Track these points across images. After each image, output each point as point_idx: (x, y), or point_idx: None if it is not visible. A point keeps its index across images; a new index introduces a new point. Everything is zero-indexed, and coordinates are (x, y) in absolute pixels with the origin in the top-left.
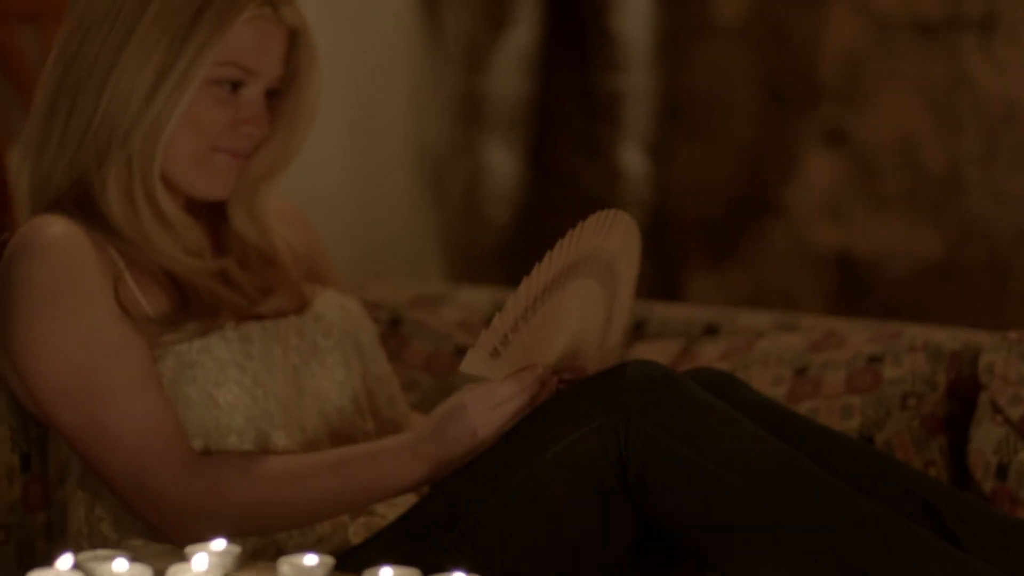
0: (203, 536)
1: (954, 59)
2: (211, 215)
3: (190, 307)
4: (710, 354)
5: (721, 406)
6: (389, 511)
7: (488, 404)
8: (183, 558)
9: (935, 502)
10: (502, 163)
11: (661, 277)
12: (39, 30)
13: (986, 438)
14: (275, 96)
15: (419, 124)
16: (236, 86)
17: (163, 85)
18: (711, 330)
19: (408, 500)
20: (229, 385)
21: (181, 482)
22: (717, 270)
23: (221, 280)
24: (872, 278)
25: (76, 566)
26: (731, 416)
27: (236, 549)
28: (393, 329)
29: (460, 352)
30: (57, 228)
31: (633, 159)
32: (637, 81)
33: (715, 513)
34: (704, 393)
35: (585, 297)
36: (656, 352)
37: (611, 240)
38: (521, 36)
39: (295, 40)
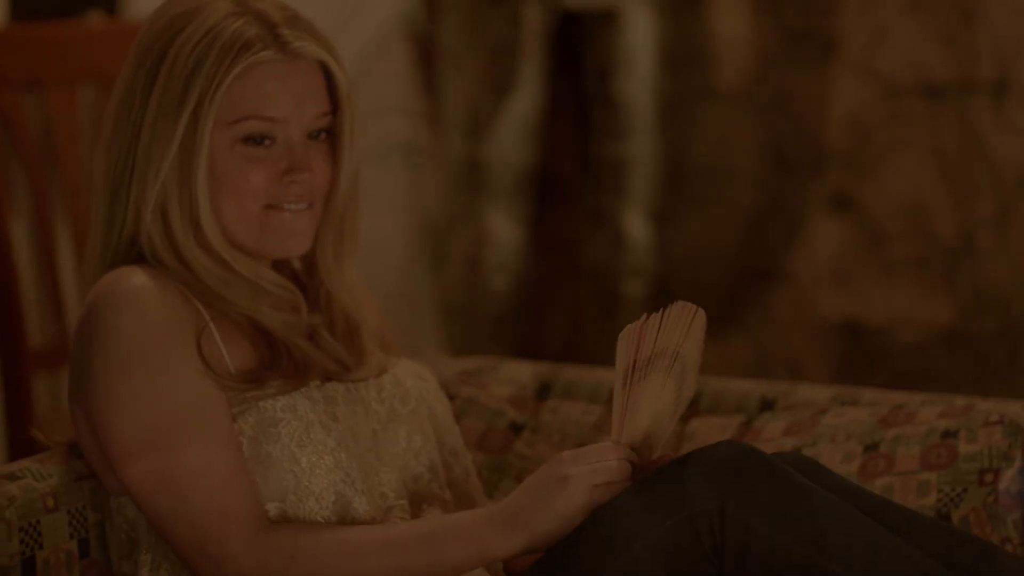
0: None
1: (966, 123)
2: (302, 277)
3: (278, 364)
4: (773, 429)
5: (817, 490)
6: None
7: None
8: None
9: None
10: (504, 231)
11: None
12: (42, 97)
13: None
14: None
15: (420, 191)
16: (268, 139)
17: (167, 156)
18: (767, 404)
19: None
20: (313, 446)
21: (249, 548)
22: (721, 338)
23: (311, 341)
24: (880, 347)
25: None
26: (828, 500)
27: None
28: None
29: (514, 428)
30: (141, 278)
31: (636, 226)
32: (640, 148)
33: None
34: (798, 476)
35: (667, 396)
36: (716, 428)
37: (690, 339)
38: (523, 102)
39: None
